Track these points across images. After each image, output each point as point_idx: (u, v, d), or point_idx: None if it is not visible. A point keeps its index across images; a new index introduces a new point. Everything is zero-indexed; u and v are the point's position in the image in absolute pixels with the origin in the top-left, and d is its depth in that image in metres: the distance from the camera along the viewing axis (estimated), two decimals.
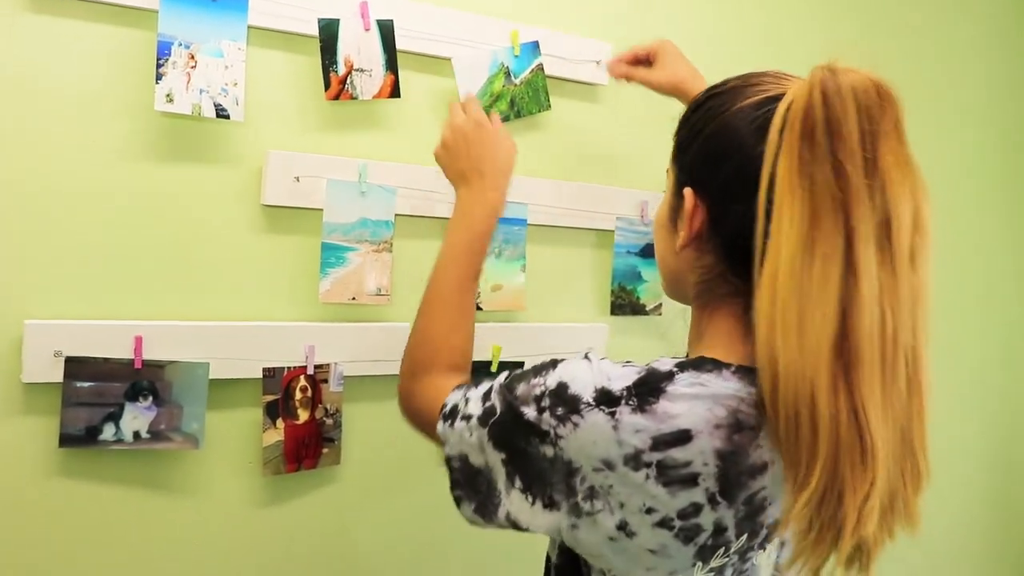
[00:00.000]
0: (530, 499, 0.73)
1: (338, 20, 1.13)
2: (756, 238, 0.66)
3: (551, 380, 0.73)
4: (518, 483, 0.73)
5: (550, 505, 0.72)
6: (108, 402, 1.02)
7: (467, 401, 0.79)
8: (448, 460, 0.80)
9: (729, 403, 0.68)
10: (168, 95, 1.02)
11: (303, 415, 1.15)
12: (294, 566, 1.20)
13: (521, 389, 0.74)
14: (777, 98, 0.68)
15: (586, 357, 0.74)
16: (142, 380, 1.04)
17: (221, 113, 1.06)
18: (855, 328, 0.63)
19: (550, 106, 1.31)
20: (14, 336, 1.00)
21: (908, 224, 0.65)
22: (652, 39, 1.25)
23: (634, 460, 0.67)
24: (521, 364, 1.30)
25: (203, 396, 1.07)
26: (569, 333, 1.37)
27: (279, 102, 1.13)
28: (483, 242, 0.97)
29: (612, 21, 1.39)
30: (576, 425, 0.69)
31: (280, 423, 1.13)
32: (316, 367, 1.15)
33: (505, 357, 1.30)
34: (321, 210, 1.13)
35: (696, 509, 0.68)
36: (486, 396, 0.77)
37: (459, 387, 0.83)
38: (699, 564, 0.71)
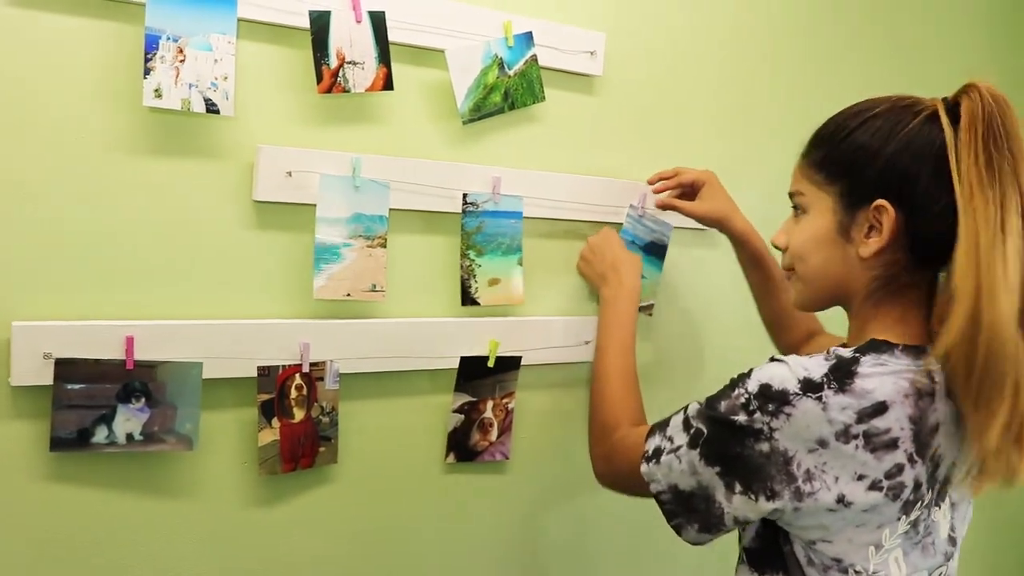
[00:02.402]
0: (752, 496, 0.83)
1: (329, 12, 1.11)
2: (959, 226, 0.79)
3: (751, 386, 0.84)
4: (738, 487, 0.84)
5: (772, 496, 0.82)
6: (100, 404, 1.00)
7: (670, 439, 0.90)
8: (658, 496, 0.91)
9: (908, 375, 0.82)
10: (156, 90, 1.00)
11: (299, 414, 1.13)
12: (291, 567, 1.19)
13: (724, 405, 0.85)
14: (936, 114, 0.84)
15: (773, 359, 0.85)
16: (134, 381, 1.02)
17: (211, 108, 1.04)
18: None
19: (544, 97, 1.29)
20: (1, 338, 0.97)
21: None
22: (697, 169, 1.34)
23: (844, 434, 0.79)
24: (519, 359, 1.29)
25: (197, 396, 1.05)
26: (566, 326, 1.36)
27: (270, 96, 1.11)
28: (629, 320, 1.19)
29: (607, 11, 1.37)
30: (789, 415, 0.80)
31: (275, 422, 1.11)
32: (311, 365, 1.13)
33: (504, 351, 1.28)
34: (314, 205, 1.12)
35: (899, 469, 0.81)
36: (687, 424, 0.89)
37: (652, 433, 0.93)
38: (903, 517, 0.83)
